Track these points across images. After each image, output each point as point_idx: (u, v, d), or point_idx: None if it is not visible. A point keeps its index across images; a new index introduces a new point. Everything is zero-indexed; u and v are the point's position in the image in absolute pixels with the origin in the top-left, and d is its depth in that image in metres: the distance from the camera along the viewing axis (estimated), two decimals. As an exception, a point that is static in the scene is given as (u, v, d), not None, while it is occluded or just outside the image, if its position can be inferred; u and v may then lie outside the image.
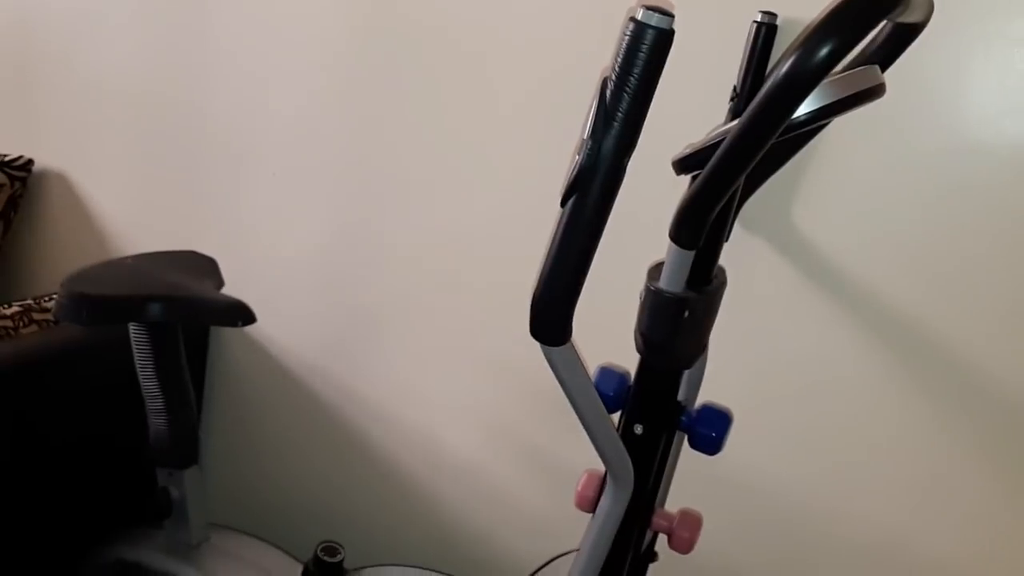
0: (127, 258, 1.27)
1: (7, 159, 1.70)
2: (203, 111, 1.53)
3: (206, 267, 1.29)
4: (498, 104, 1.25)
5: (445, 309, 1.37)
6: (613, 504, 0.85)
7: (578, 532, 1.23)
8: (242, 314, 1.16)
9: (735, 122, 0.69)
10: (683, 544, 0.98)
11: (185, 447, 1.26)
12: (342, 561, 1.19)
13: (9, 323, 1.43)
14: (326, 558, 1.18)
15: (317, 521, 1.57)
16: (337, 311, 1.48)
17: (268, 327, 1.54)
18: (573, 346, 0.69)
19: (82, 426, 1.40)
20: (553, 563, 1.09)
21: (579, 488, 0.98)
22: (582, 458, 1.29)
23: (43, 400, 1.33)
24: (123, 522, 1.36)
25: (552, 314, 0.66)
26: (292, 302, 1.51)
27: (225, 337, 1.59)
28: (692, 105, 1.08)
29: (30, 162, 1.73)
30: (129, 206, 1.66)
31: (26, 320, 1.45)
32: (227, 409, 1.63)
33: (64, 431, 1.37)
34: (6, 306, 1.46)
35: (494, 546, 1.42)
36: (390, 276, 1.41)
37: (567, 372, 0.70)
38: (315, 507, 1.57)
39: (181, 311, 1.14)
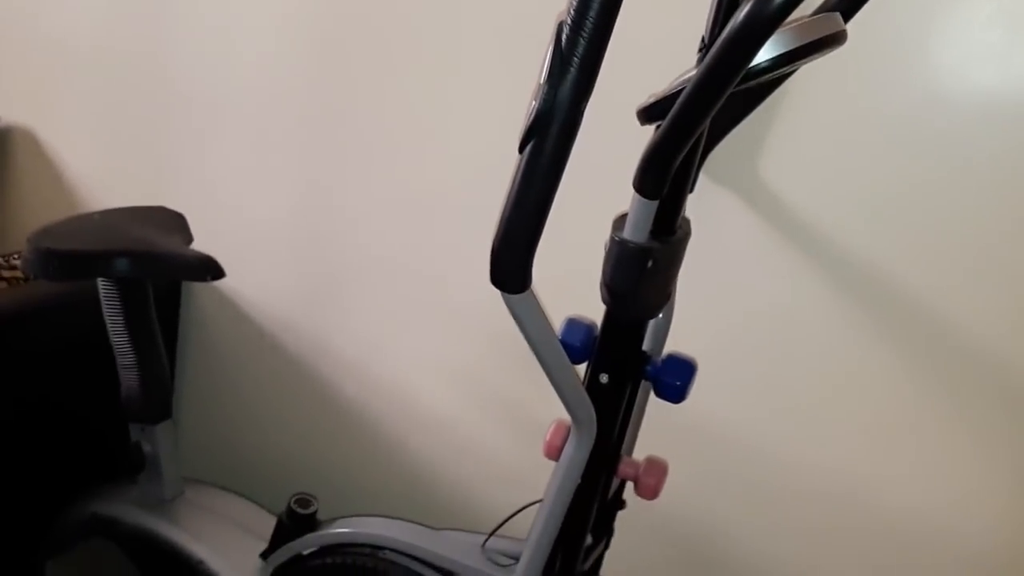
0: (94, 213, 1.25)
1: (-28, 115, 1.68)
2: (170, 67, 1.50)
3: (175, 222, 1.28)
4: (464, 58, 1.24)
5: (415, 264, 1.37)
6: (576, 451, 0.86)
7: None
8: (210, 269, 1.16)
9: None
10: (648, 490, 0.99)
11: (157, 402, 1.26)
12: (315, 512, 1.20)
13: (-23, 280, 1.42)
14: (300, 510, 1.18)
15: (291, 475, 1.59)
16: (308, 266, 1.47)
17: (239, 283, 1.54)
18: (533, 294, 0.70)
19: (54, 382, 1.39)
20: (524, 512, 1.11)
21: (548, 437, 0.99)
22: (552, 410, 1.31)
23: (14, 356, 1.32)
24: (97, 477, 1.37)
25: (511, 261, 0.66)
26: (263, 258, 1.51)
27: (197, 293, 1.59)
28: (663, 58, 1.07)
29: (-5, 118, 1.71)
30: (97, 162, 1.64)
31: (-6, 277, 1.44)
32: (200, 365, 1.63)
33: (36, 387, 1.37)
34: (-26, 263, 1.45)
35: (468, 496, 1.43)
36: (359, 231, 1.41)
37: (528, 320, 0.71)
38: (288, 461, 1.59)
39: (149, 266, 1.14)
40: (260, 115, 1.44)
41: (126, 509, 1.28)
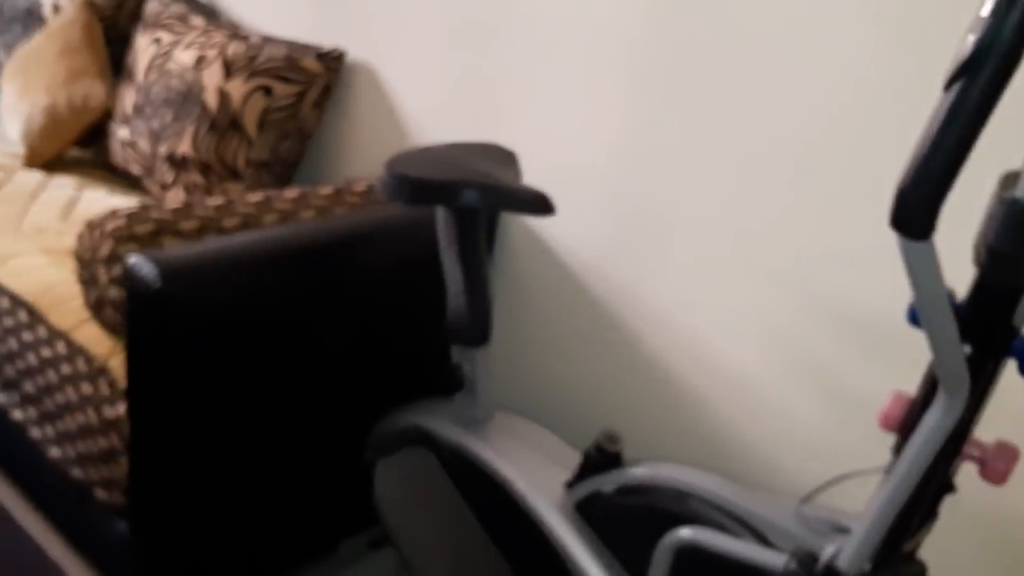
0: (439, 146, 1.34)
1: (322, 51, 1.85)
2: (507, 9, 1.57)
3: (507, 159, 1.34)
4: (808, 13, 1.19)
5: (731, 218, 1.35)
6: (943, 417, 0.81)
7: (856, 458, 1.19)
8: (544, 204, 1.21)
9: None
10: (996, 475, 0.92)
11: (479, 327, 1.33)
12: (621, 451, 1.22)
13: (325, 202, 1.57)
14: (608, 446, 1.21)
15: (588, 413, 1.62)
16: (622, 214, 1.49)
17: (551, 222, 1.59)
18: (933, 243, 0.65)
19: (387, 298, 1.51)
20: (834, 484, 1.06)
21: (886, 408, 0.94)
22: (866, 381, 1.24)
23: (355, 271, 1.45)
24: (419, 392, 1.48)
25: (920, 204, 0.62)
26: (577, 201, 1.55)
27: (509, 227, 1.66)
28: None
29: (342, 55, 1.87)
30: (430, 99, 1.75)
31: (339, 201, 1.59)
32: (509, 296, 1.71)
33: (372, 301, 1.49)
34: (322, 187, 1.60)
35: (765, 458, 1.40)
36: (678, 183, 1.40)
37: (923, 269, 0.67)
38: (586, 399, 1.63)
39: (491, 198, 1.20)
40: (591, 60, 1.46)
41: (444, 424, 1.37)
